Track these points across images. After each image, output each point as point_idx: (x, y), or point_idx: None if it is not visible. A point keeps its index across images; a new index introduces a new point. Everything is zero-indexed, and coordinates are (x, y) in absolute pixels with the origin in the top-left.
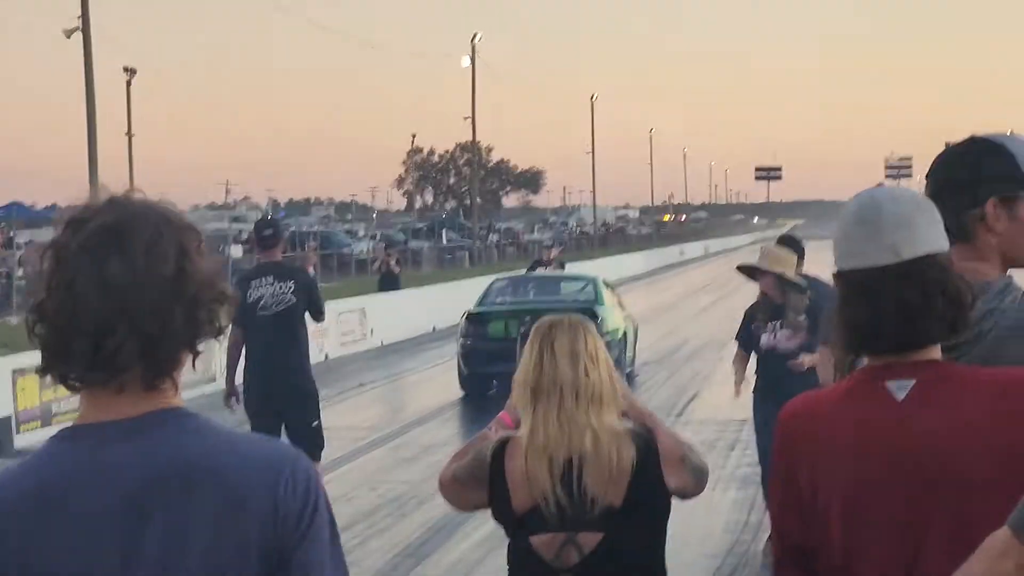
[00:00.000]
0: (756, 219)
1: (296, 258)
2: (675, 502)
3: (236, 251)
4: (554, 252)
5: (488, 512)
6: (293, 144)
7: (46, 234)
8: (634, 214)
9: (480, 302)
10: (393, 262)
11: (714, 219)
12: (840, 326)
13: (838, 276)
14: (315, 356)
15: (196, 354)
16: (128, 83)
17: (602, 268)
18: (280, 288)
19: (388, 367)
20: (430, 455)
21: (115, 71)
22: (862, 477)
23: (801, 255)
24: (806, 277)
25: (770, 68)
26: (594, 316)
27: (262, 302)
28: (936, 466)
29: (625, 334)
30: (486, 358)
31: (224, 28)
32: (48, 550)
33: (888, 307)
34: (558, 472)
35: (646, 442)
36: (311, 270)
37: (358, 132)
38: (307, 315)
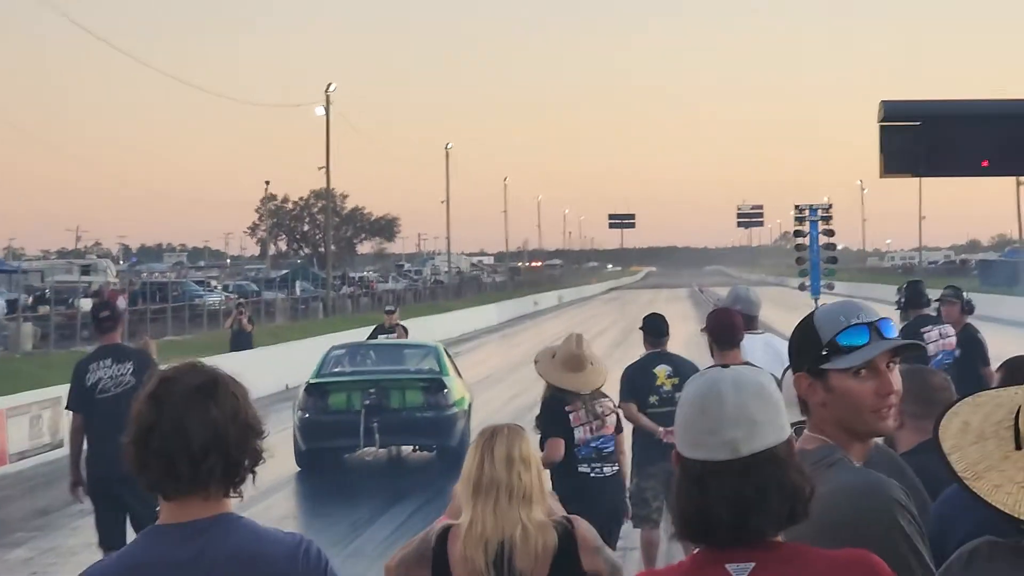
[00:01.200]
0: (610, 266)
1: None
2: None
3: (86, 304)
4: (395, 317)
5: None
6: (145, 190)
7: None
8: (489, 260)
9: (319, 372)
10: (245, 319)
11: (569, 266)
12: (673, 513)
13: (677, 459)
14: None
15: (254, 474)
16: None
17: (457, 320)
18: (119, 370)
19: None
20: (315, 509)
21: None
22: None
23: (664, 334)
24: (666, 355)
25: (623, 117)
26: (442, 387)
27: (100, 385)
28: None
29: (469, 404)
30: (328, 432)
31: (74, 74)
32: None
33: (721, 502)
34: (491, 556)
35: (566, 531)
36: (152, 350)
37: (211, 179)
38: None
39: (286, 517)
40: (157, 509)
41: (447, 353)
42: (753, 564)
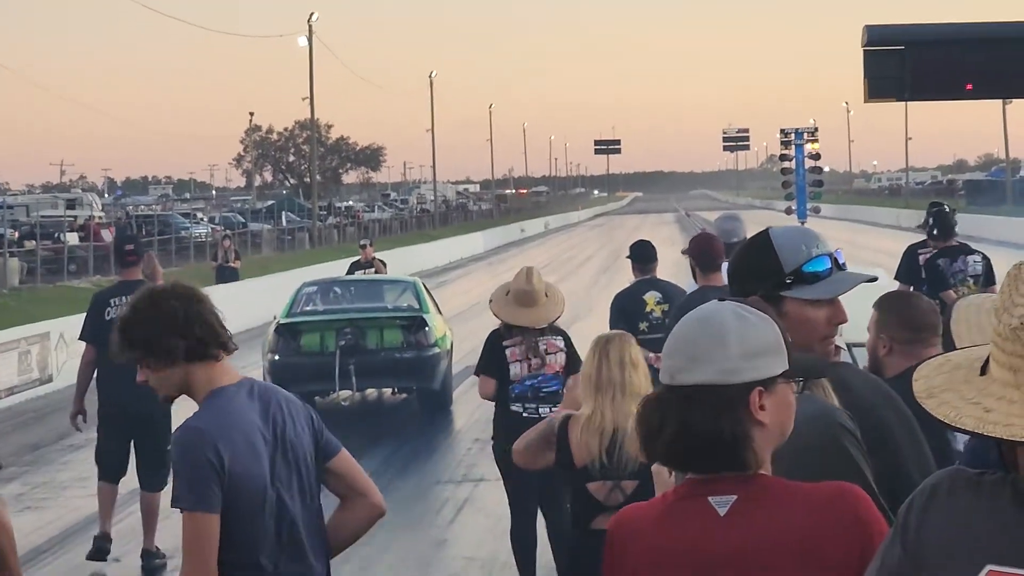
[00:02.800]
0: (596, 192)
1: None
2: None
3: (72, 238)
4: (371, 251)
5: None
6: (130, 123)
7: None
8: (475, 188)
9: (289, 311)
10: (232, 256)
11: (555, 192)
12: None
13: None
14: None
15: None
16: None
17: (443, 248)
18: None
19: (232, 359)
20: None
21: None
22: None
23: (653, 260)
24: (656, 281)
25: (609, 41)
26: (423, 324)
27: None
28: None
29: (451, 343)
30: (300, 376)
31: (58, 9)
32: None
33: (639, 420)
34: (605, 443)
35: None
36: (158, 269)
37: (196, 111)
38: None
39: None
40: (167, 449)
41: (426, 288)
42: (735, 497)
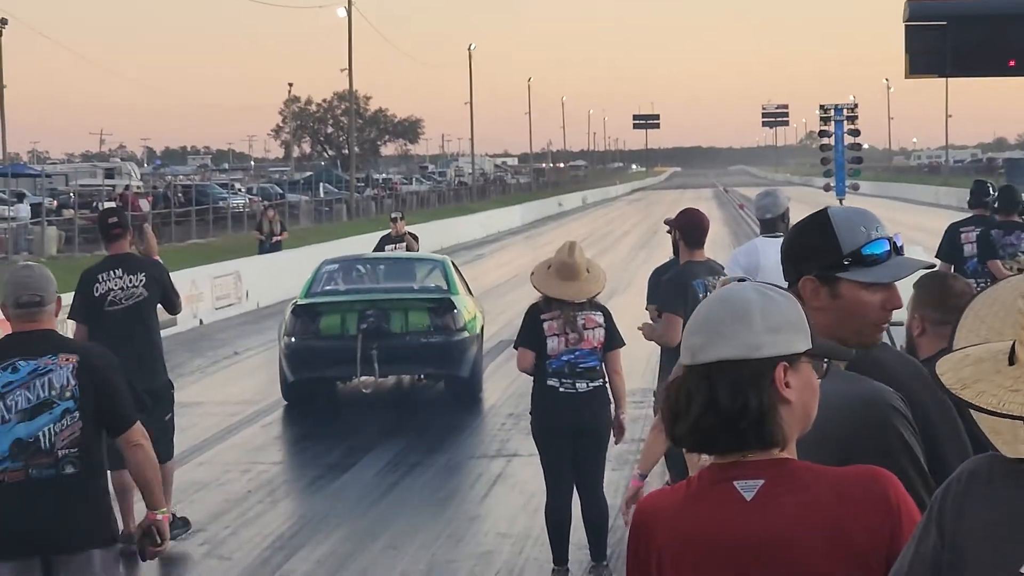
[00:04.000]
0: (635, 167)
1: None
2: None
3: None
4: (402, 225)
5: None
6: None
7: None
8: (512, 162)
9: (308, 290)
10: (279, 228)
11: (593, 167)
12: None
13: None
14: (189, 321)
15: None
16: None
17: (480, 221)
18: (130, 281)
19: (264, 332)
20: (304, 434)
21: None
22: None
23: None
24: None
25: (648, 16)
26: (451, 307)
27: (110, 296)
28: (783, 567)
29: (482, 327)
30: (319, 360)
31: None
32: None
33: (668, 403)
34: None
35: None
36: (157, 258)
37: (235, 82)
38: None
39: (265, 447)
40: (167, 418)
41: (456, 267)
42: (762, 481)
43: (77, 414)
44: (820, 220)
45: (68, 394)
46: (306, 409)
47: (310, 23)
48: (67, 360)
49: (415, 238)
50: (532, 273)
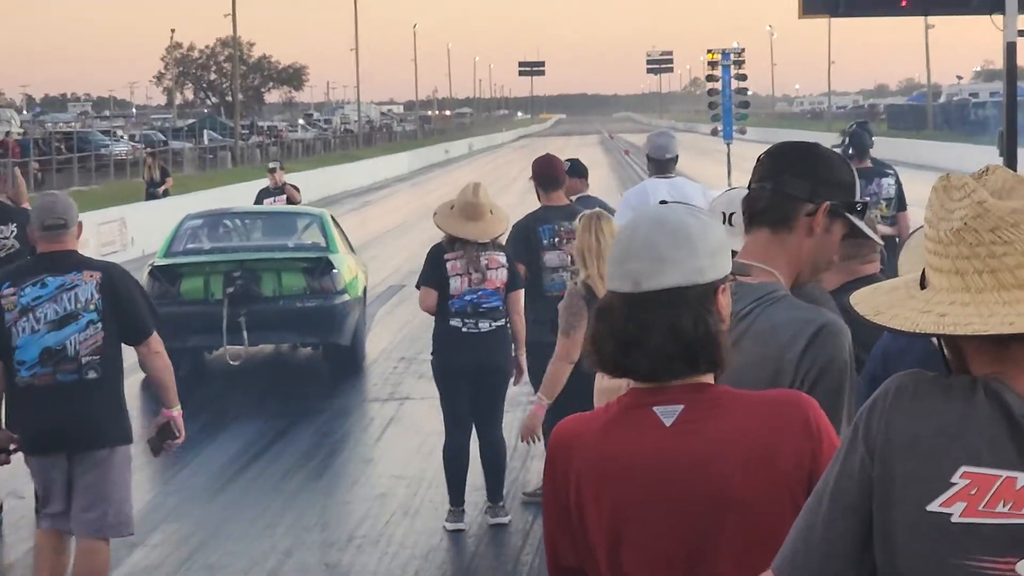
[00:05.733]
0: (520, 114)
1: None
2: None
3: None
4: (281, 175)
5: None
6: (48, 39)
7: None
8: (398, 110)
9: (167, 249)
10: (158, 175)
11: (479, 114)
12: (584, 340)
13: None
14: None
15: None
16: None
17: (367, 169)
18: (1, 232)
19: None
20: (206, 380)
21: None
22: (628, 502)
23: (583, 176)
24: (590, 199)
25: None
26: (329, 267)
27: None
28: (705, 492)
29: (364, 288)
30: (180, 329)
31: None
32: None
33: (610, 333)
34: None
35: None
36: (27, 204)
37: (115, 27)
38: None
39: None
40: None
41: (336, 221)
42: (681, 407)
43: (100, 324)
44: (845, 161)
45: (92, 307)
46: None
47: None
48: (91, 276)
49: (296, 189)
50: (435, 213)
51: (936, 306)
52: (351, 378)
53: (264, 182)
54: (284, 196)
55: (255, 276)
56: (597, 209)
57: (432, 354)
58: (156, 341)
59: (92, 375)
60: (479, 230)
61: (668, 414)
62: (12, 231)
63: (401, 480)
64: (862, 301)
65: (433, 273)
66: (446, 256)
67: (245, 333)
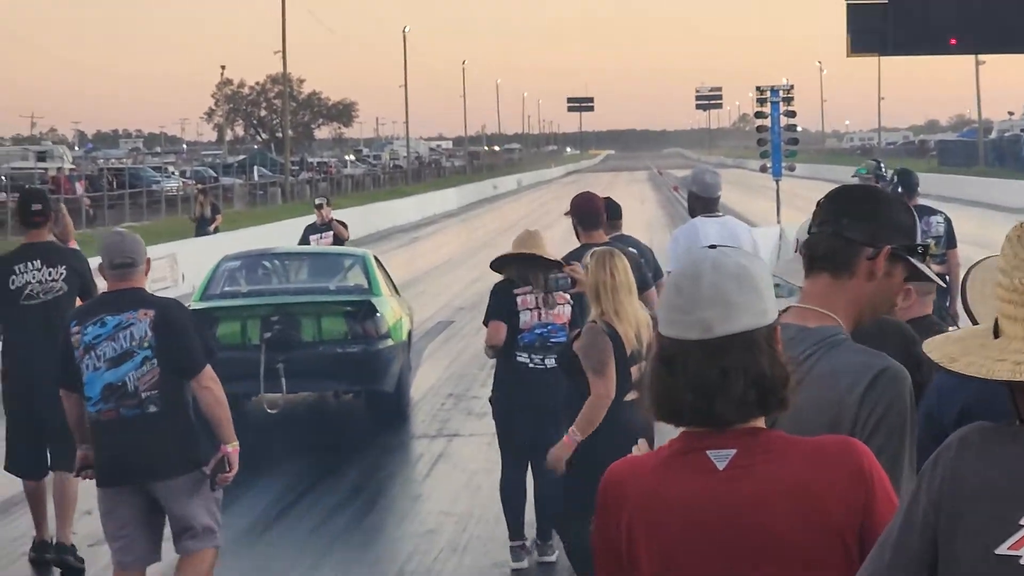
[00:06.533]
0: (569, 149)
1: (59, 233)
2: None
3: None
4: (328, 211)
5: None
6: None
7: None
8: (447, 145)
9: (203, 292)
10: (208, 207)
11: (527, 150)
12: (646, 390)
13: (657, 338)
14: None
15: None
16: None
17: (416, 204)
18: (49, 274)
19: None
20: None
21: None
22: (678, 544)
23: (618, 216)
24: (623, 237)
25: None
26: (372, 311)
27: (27, 290)
28: (755, 537)
29: (409, 332)
30: (217, 375)
31: None
32: None
33: (687, 382)
34: (634, 332)
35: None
36: (74, 243)
37: (167, 65)
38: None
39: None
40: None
41: (379, 262)
42: (734, 451)
43: (154, 361)
44: (904, 203)
45: (146, 344)
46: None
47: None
48: (145, 314)
49: (344, 225)
50: (493, 260)
51: (1012, 354)
52: (399, 415)
53: (311, 218)
54: (331, 232)
55: (294, 320)
56: (607, 247)
57: (493, 391)
58: (207, 376)
59: (153, 409)
60: (543, 252)
61: (721, 458)
62: (61, 273)
63: (449, 516)
64: (935, 349)
65: (502, 308)
66: (516, 291)
67: (283, 380)
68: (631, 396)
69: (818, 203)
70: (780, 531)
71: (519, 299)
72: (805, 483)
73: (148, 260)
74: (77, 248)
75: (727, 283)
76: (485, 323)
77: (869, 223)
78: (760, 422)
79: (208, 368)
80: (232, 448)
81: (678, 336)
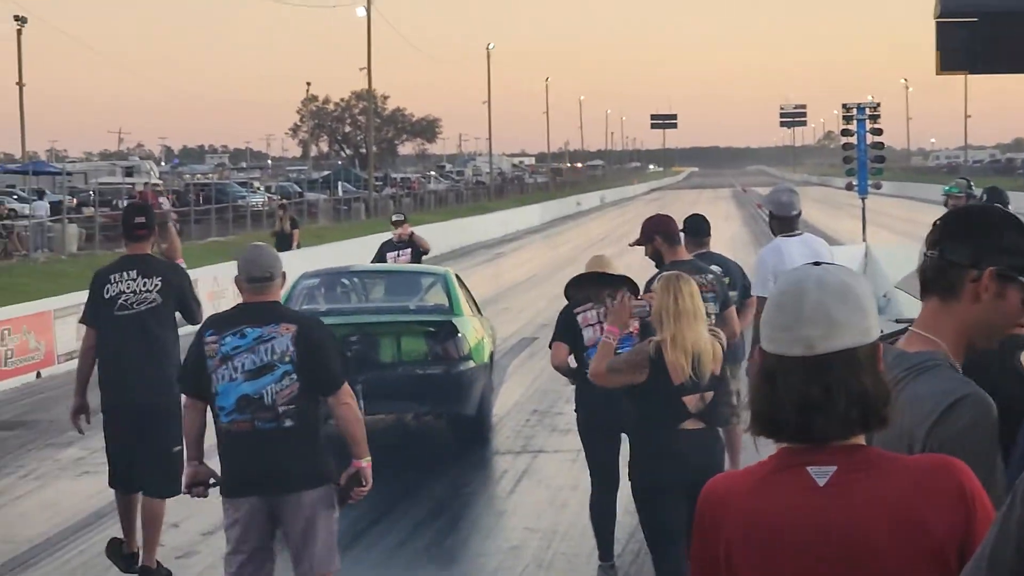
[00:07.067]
0: (652, 166)
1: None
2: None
3: None
4: (408, 229)
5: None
6: (186, 92)
7: None
8: (530, 161)
9: None
10: (287, 223)
11: (611, 166)
12: (749, 406)
13: (760, 354)
14: None
15: None
16: (19, 32)
17: (499, 221)
18: (144, 285)
19: None
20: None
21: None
22: (778, 561)
23: (706, 234)
24: (710, 255)
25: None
26: (453, 332)
27: (121, 300)
28: (855, 554)
29: (491, 353)
30: None
31: None
32: None
33: (789, 399)
34: (691, 362)
35: (721, 340)
36: (181, 260)
37: (253, 81)
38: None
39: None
40: (174, 451)
41: (460, 281)
42: (835, 468)
43: (295, 376)
44: (1016, 221)
45: (287, 359)
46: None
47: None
48: (287, 329)
49: (423, 244)
50: (565, 287)
51: None
52: (485, 431)
53: (388, 234)
54: (409, 250)
55: (373, 341)
56: (675, 271)
57: (576, 411)
58: (345, 393)
59: (289, 423)
60: (609, 268)
61: (822, 475)
62: (156, 285)
63: (534, 533)
64: None
65: (565, 331)
66: (576, 311)
67: (362, 402)
68: (691, 424)
69: (932, 225)
70: (880, 548)
71: (579, 317)
72: (906, 501)
73: (284, 274)
74: (181, 264)
75: (831, 301)
76: (549, 346)
77: (971, 244)
78: (860, 439)
79: (346, 385)
80: (366, 463)
81: (780, 353)
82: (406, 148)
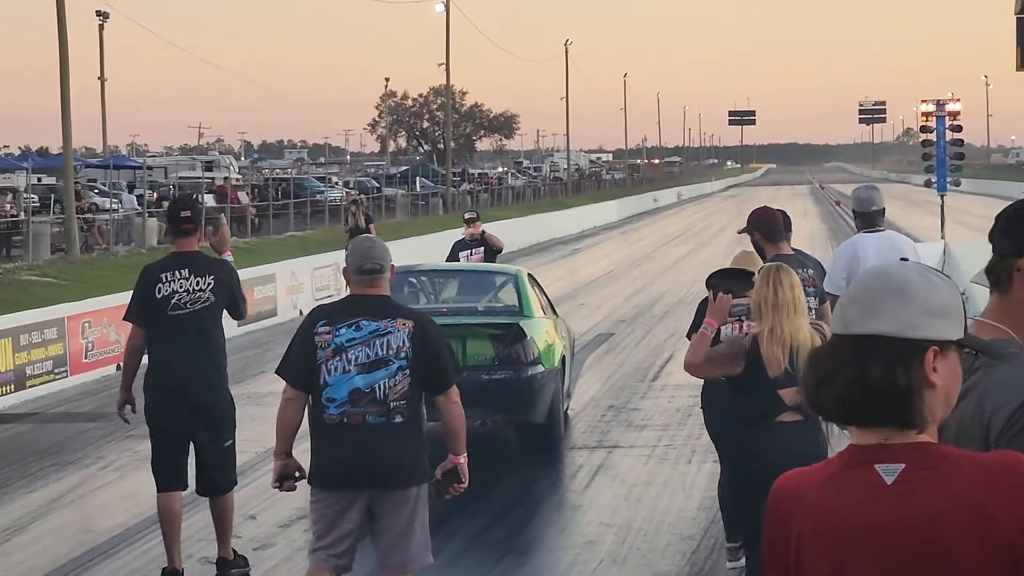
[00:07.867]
0: (730, 163)
1: (211, 240)
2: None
3: (209, 200)
4: (479, 227)
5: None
6: (265, 88)
7: (18, 180)
8: (607, 158)
9: None
10: (361, 217)
11: (688, 163)
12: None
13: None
14: (289, 312)
15: None
16: (100, 27)
17: (576, 217)
18: (197, 284)
19: None
20: None
21: (88, 15)
22: (847, 559)
23: (787, 229)
24: (797, 252)
25: (745, 10)
26: (521, 336)
27: (174, 299)
28: (924, 552)
29: (563, 357)
30: None
31: None
32: None
33: (809, 371)
34: (788, 354)
35: (823, 333)
36: (229, 254)
37: (331, 76)
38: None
39: (300, 517)
40: (227, 445)
41: (533, 280)
42: (903, 465)
43: (408, 371)
44: None
45: (403, 354)
46: None
47: (407, 18)
48: (404, 324)
49: (497, 243)
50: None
51: None
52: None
53: (460, 233)
54: (482, 249)
55: None
56: (777, 262)
57: (702, 408)
58: (455, 391)
59: (399, 419)
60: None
61: (890, 472)
62: (209, 283)
63: (609, 528)
64: None
65: (698, 322)
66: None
67: (424, 407)
68: (788, 417)
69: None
70: (949, 546)
71: None
72: (975, 498)
73: (392, 267)
74: (229, 258)
75: (880, 288)
76: (688, 336)
77: (1013, 236)
78: (929, 436)
79: (455, 384)
80: (464, 459)
81: (832, 331)
82: (484, 144)
